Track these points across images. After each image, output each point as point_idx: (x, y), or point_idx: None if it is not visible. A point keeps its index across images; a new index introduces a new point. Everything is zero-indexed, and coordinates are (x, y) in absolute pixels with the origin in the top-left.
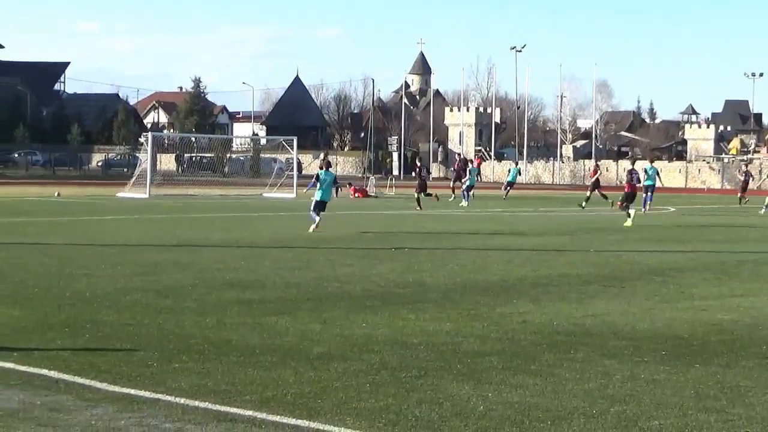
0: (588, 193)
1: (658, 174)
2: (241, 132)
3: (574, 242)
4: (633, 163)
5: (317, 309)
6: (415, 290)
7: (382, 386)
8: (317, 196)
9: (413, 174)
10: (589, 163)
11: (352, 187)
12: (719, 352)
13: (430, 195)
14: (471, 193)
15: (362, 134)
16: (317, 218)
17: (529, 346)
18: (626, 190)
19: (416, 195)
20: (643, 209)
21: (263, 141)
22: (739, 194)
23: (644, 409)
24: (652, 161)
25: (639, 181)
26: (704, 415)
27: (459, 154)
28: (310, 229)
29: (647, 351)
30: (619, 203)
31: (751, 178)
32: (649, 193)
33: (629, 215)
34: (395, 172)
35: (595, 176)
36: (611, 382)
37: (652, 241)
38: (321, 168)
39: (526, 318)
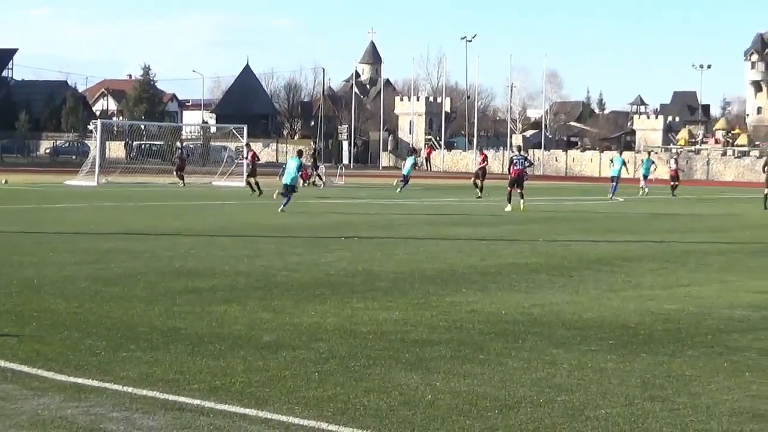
0: (479, 183)
1: (624, 164)
2: (191, 120)
3: (523, 232)
4: (519, 150)
5: (266, 298)
6: (364, 279)
7: (331, 375)
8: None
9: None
10: (539, 153)
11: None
12: (665, 342)
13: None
14: (407, 182)
15: (312, 123)
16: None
17: (478, 335)
18: (512, 175)
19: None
20: (609, 196)
21: (213, 129)
22: (674, 183)
23: (591, 398)
24: (620, 153)
25: (525, 166)
26: (650, 404)
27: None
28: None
29: (594, 340)
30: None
31: (681, 172)
32: (614, 183)
33: (509, 201)
34: (345, 161)
35: (482, 164)
36: (558, 371)
37: (600, 231)
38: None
39: (474, 307)
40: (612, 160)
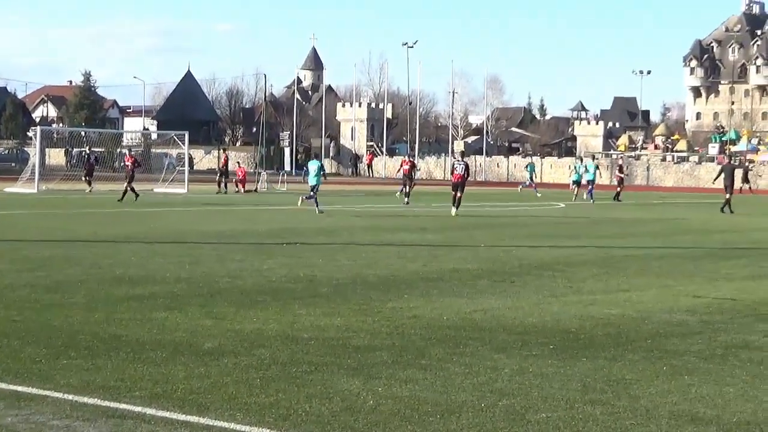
0: (406, 189)
1: (597, 169)
2: (132, 127)
3: (465, 238)
4: (462, 156)
5: (208, 304)
6: (306, 285)
7: (273, 381)
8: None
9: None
10: (480, 159)
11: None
12: (606, 346)
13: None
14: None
15: (254, 129)
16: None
17: (419, 340)
18: (453, 180)
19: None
20: (590, 200)
21: (154, 136)
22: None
23: (532, 403)
24: (593, 158)
25: (464, 172)
26: (590, 408)
27: (408, 155)
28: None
29: (535, 345)
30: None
31: (625, 177)
32: (590, 187)
33: (454, 206)
34: (287, 167)
35: (409, 170)
36: (500, 376)
37: (541, 236)
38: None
39: (416, 313)
40: (586, 167)
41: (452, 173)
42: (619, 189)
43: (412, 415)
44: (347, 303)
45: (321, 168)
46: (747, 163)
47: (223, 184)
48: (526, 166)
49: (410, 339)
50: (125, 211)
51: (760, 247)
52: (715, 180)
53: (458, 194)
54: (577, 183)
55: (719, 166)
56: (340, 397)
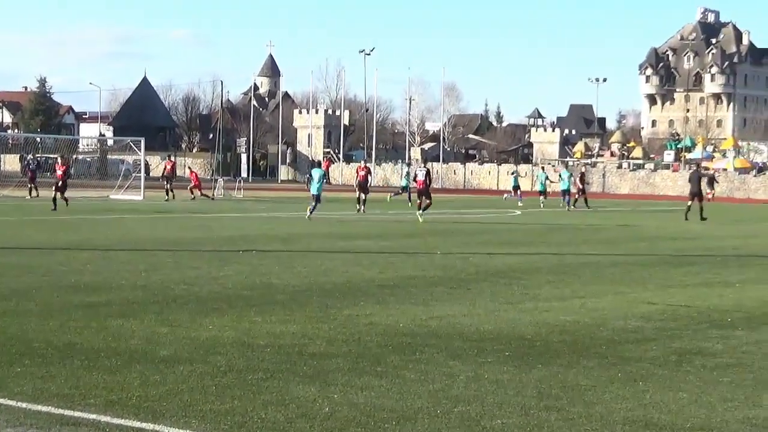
0: (362, 195)
1: (572, 176)
2: (88, 133)
3: (421, 245)
4: (425, 163)
5: (164, 312)
6: (262, 292)
7: (228, 388)
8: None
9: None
10: (437, 166)
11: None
12: (561, 353)
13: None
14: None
15: (211, 136)
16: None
17: (375, 347)
18: (417, 187)
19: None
20: (567, 207)
21: (110, 142)
22: (577, 197)
23: (487, 409)
24: (566, 166)
25: (426, 179)
26: (546, 414)
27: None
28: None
29: (491, 352)
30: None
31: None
32: (566, 196)
33: (419, 213)
34: (243, 174)
35: (365, 177)
36: (455, 383)
37: (497, 243)
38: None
39: (372, 320)
40: (560, 175)
41: (415, 180)
42: (577, 197)
43: (368, 421)
44: (303, 310)
45: (323, 175)
46: (712, 171)
47: (170, 191)
48: (512, 173)
49: (366, 346)
50: (80, 219)
51: (713, 255)
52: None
53: (425, 200)
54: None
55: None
56: (295, 404)
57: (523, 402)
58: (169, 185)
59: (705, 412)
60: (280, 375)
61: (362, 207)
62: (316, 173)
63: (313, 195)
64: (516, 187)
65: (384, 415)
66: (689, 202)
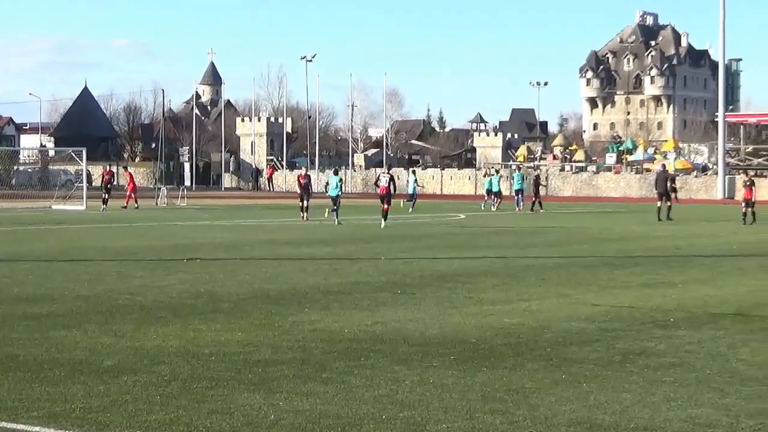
0: (305, 203)
1: (523, 179)
2: (29, 144)
3: (366, 250)
4: (389, 169)
5: (108, 322)
6: (206, 301)
7: (173, 398)
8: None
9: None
10: (380, 170)
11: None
12: (505, 356)
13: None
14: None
15: (153, 145)
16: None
17: (320, 354)
18: (380, 192)
19: None
20: (516, 208)
21: (51, 152)
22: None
23: (432, 413)
24: (518, 169)
25: (389, 184)
26: (490, 417)
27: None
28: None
29: (436, 356)
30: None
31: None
32: (519, 196)
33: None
34: (187, 182)
35: (306, 184)
36: (401, 388)
37: (442, 247)
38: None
39: (317, 326)
40: (514, 177)
41: (376, 185)
42: (535, 200)
43: (314, 428)
44: (248, 318)
45: (340, 181)
46: (673, 172)
47: (106, 201)
48: (485, 175)
49: (311, 353)
50: (22, 229)
51: (655, 255)
52: (655, 188)
53: (385, 206)
54: (496, 193)
55: (654, 175)
56: (241, 412)
57: (467, 406)
58: (107, 195)
59: (648, 412)
60: (225, 383)
61: (305, 214)
62: (332, 180)
63: (332, 198)
64: (489, 191)
65: (329, 421)
66: (658, 203)
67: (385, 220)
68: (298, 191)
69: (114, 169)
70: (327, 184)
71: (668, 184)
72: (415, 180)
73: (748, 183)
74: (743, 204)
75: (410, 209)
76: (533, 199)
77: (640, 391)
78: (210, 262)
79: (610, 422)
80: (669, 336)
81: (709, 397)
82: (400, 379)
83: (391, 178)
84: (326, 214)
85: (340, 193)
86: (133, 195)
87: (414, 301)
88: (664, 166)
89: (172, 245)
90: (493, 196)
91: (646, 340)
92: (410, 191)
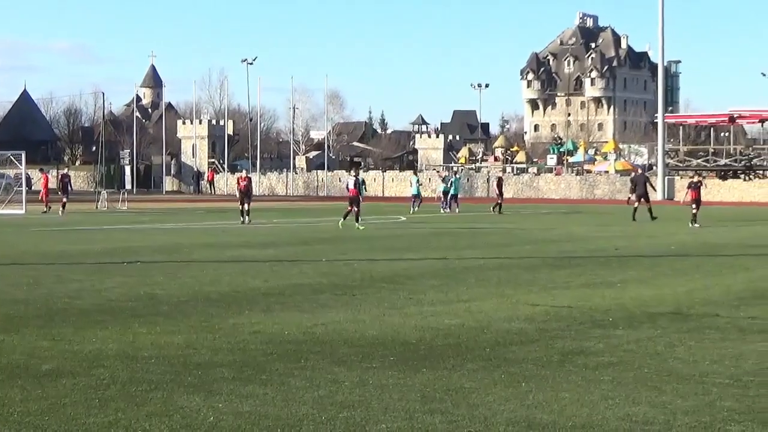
0: (245, 206)
1: (459, 180)
2: None
3: (307, 252)
4: (357, 172)
5: (46, 326)
6: (146, 303)
7: (112, 401)
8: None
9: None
10: (322, 174)
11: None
12: (446, 356)
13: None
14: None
15: (94, 148)
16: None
17: (260, 356)
18: (350, 194)
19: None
20: (448, 210)
21: None
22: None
23: (372, 414)
24: (456, 173)
25: (359, 186)
26: (430, 417)
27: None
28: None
29: (376, 357)
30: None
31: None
32: (454, 200)
33: (354, 220)
34: (128, 186)
35: (246, 187)
36: (340, 389)
37: (382, 249)
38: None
39: (257, 328)
40: (452, 179)
41: (347, 189)
42: (499, 201)
43: (253, 430)
44: (188, 320)
45: (361, 183)
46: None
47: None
48: (444, 179)
49: (251, 354)
50: None
51: (595, 256)
52: (631, 190)
53: (355, 208)
54: (452, 195)
55: (631, 176)
56: (180, 414)
57: (407, 406)
58: (66, 199)
59: (587, 411)
60: (165, 386)
61: (246, 217)
62: (351, 181)
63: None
64: (447, 192)
65: (269, 423)
66: (636, 205)
67: (357, 221)
68: (237, 194)
69: (70, 172)
70: (346, 185)
71: (647, 186)
72: (418, 180)
73: (694, 184)
74: (693, 205)
75: (414, 210)
76: (498, 200)
77: (578, 390)
78: (150, 265)
79: (548, 421)
80: (607, 335)
81: (647, 396)
82: (340, 380)
83: (356, 182)
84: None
85: (363, 194)
86: (44, 198)
87: (354, 302)
88: (643, 167)
89: (112, 249)
90: (446, 198)
91: (584, 339)
92: (414, 192)
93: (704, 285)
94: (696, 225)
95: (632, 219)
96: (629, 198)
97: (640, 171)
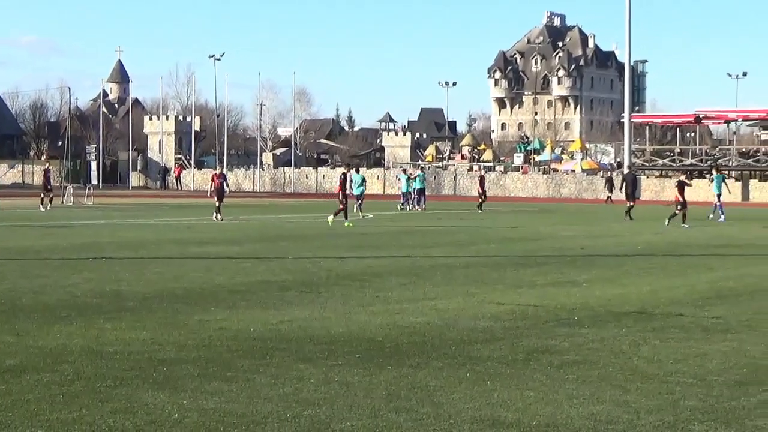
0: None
1: (425, 179)
2: None
3: (273, 249)
4: (348, 171)
5: (10, 321)
6: (111, 299)
7: (76, 397)
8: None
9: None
10: (289, 171)
11: None
12: (411, 354)
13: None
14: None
15: (60, 143)
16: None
17: (226, 352)
18: (338, 190)
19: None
20: (417, 207)
21: None
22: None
23: (337, 411)
24: (421, 169)
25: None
26: (395, 415)
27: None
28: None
29: (342, 354)
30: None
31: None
32: (421, 196)
33: (341, 217)
34: (93, 181)
35: (221, 184)
36: (305, 386)
37: (349, 247)
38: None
39: (223, 325)
40: (416, 177)
41: (348, 188)
42: (481, 199)
43: (218, 427)
44: (154, 316)
45: (363, 179)
46: (611, 173)
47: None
48: (415, 176)
49: (217, 351)
50: None
51: (562, 255)
52: (621, 189)
53: (341, 206)
54: (418, 189)
55: (621, 176)
56: (144, 410)
57: (372, 404)
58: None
59: (551, 409)
60: (129, 382)
61: (219, 214)
62: (356, 178)
63: (356, 197)
64: (408, 193)
65: (233, 419)
66: (628, 203)
67: (346, 218)
68: (209, 190)
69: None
70: (351, 182)
71: (636, 185)
72: (408, 178)
73: (679, 184)
74: (679, 206)
75: (410, 208)
76: (480, 198)
77: (543, 388)
78: (116, 261)
79: (513, 419)
80: (572, 334)
81: (611, 394)
82: (305, 377)
83: (345, 178)
84: (354, 210)
85: (364, 190)
86: None
87: (320, 299)
88: (630, 166)
89: (77, 244)
90: (412, 196)
91: (550, 338)
92: (404, 190)
93: (669, 285)
94: (685, 225)
95: (629, 218)
96: (608, 197)
97: (629, 170)
